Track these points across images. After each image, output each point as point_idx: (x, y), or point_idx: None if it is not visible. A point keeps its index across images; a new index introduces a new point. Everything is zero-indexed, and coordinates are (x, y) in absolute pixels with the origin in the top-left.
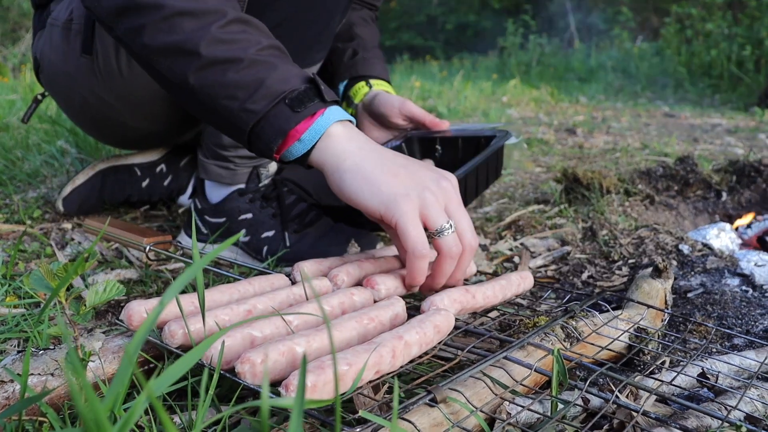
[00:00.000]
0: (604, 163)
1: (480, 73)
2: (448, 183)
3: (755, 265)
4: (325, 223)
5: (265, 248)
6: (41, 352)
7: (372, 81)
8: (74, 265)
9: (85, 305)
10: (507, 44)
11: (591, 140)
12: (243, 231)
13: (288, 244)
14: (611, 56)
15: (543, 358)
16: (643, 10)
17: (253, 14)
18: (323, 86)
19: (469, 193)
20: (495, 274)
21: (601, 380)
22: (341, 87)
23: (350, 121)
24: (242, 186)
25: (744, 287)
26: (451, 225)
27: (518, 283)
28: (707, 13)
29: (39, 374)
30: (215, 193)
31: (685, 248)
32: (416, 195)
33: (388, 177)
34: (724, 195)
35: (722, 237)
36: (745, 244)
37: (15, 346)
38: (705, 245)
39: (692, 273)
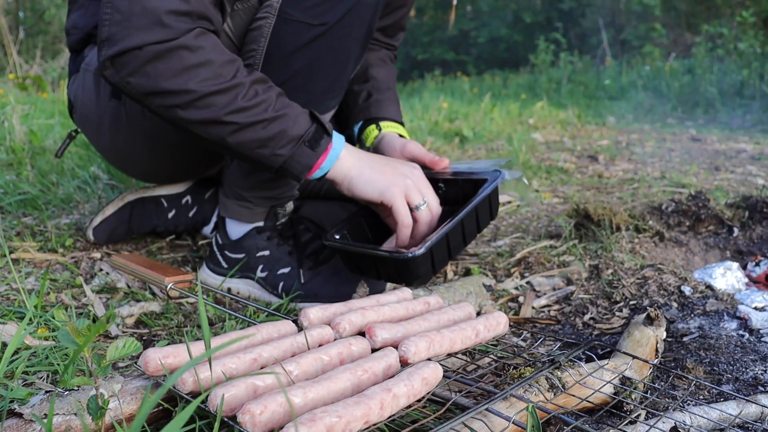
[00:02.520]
0: (621, 195)
1: (510, 91)
2: (418, 170)
3: (755, 308)
4: (339, 260)
5: (281, 284)
6: (66, 393)
7: (382, 123)
8: (96, 326)
9: (105, 359)
10: (538, 61)
11: (611, 168)
12: (260, 267)
13: (302, 281)
14: (642, 74)
15: (523, 410)
16: (676, 26)
17: (268, 67)
18: (322, 120)
19: (462, 241)
20: None
21: None
22: (356, 129)
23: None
24: (261, 224)
25: (741, 331)
26: (425, 201)
27: (493, 326)
28: (741, 32)
29: (63, 414)
30: (235, 229)
31: (687, 289)
32: (401, 182)
33: (380, 174)
34: (736, 231)
35: (728, 276)
36: (753, 282)
37: (44, 379)
38: (707, 286)
39: (691, 315)
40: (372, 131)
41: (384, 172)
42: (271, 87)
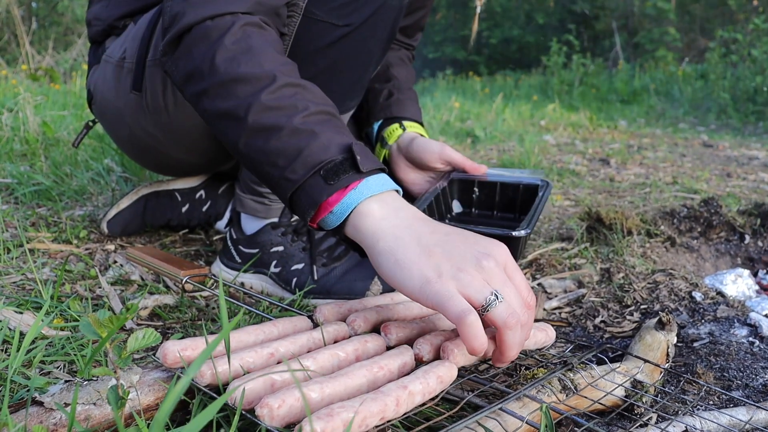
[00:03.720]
0: (632, 199)
1: (522, 92)
2: (491, 261)
3: (766, 315)
4: (353, 257)
5: (294, 280)
6: (85, 383)
7: (405, 123)
8: (119, 318)
9: (126, 350)
10: (550, 63)
11: (623, 172)
12: (274, 262)
13: (316, 277)
14: (655, 78)
15: (536, 410)
16: (690, 31)
17: None
18: (361, 156)
19: (524, 246)
20: None
21: None
22: (375, 127)
23: (396, 190)
24: (275, 220)
25: (751, 338)
26: (496, 295)
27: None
28: (755, 38)
29: (83, 404)
30: (250, 225)
31: (698, 295)
32: (450, 276)
33: (422, 258)
34: (747, 238)
35: (739, 283)
36: (764, 289)
37: (61, 368)
38: (718, 293)
39: (702, 321)
40: (395, 130)
41: (431, 254)
42: (318, 101)
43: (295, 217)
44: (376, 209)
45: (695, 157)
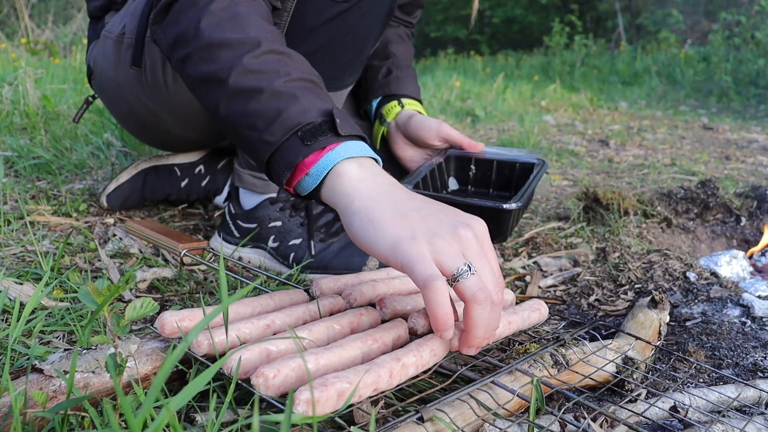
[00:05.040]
0: (630, 180)
1: (523, 72)
2: (469, 231)
3: (759, 296)
4: None
5: (292, 255)
6: (84, 351)
7: (404, 100)
8: (116, 287)
9: (124, 318)
10: (552, 43)
11: (622, 153)
12: (272, 237)
13: (313, 252)
14: (657, 60)
15: (527, 384)
16: (694, 13)
17: (288, 42)
18: (340, 120)
19: (516, 221)
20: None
21: (582, 408)
22: (374, 104)
23: (374, 159)
24: (274, 195)
25: (743, 318)
26: (469, 267)
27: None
28: (759, 20)
29: (82, 372)
30: (248, 200)
31: (692, 275)
32: (425, 240)
33: (397, 220)
34: (744, 220)
35: (733, 264)
36: (758, 271)
37: (60, 338)
38: (712, 273)
39: (695, 301)
40: (394, 107)
41: (407, 218)
42: (301, 68)
43: None
44: (353, 170)
45: (695, 139)
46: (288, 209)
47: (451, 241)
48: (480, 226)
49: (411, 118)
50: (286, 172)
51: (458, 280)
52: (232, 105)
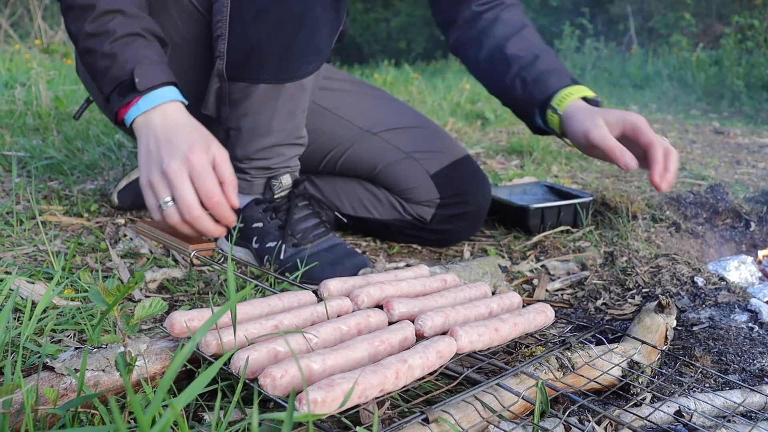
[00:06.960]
0: (640, 184)
1: None
2: (177, 164)
3: (767, 302)
4: (328, 241)
5: (266, 257)
6: (95, 350)
7: (554, 103)
8: (126, 287)
9: (133, 318)
10: (563, 47)
11: None
12: (255, 238)
13: (282, 256)
14: (668, 64)
15: (533, 386)
16: (706, 16)
17: (234, 36)
18: (139, 78)
19: (540, 221)
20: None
21: (587, 411)
22: (539, 121)
23: (181, 102)
24: (259, 196)
25: (751, 324)
26: (170, 199)
27: (507, 306)
28: None
29: (92, 370)
30: (239, 199)
31: (699, 280)
32: (155, 168)
33: (151, 155)
34: (753, 225)
35: (742, 269)
36: (766, 276)
37: (71, 337)
38: (720, 278)
39: (703, 306)
40: (552, 117)
41: (151, 153)
42: (127, 25)
43: (277, 195)
44: (151, 116)
45: (705, 143)
46: (270, 211)
47: (161, 178)
48: (199, 150)
49: (569, 123)
50: (112, 117)
51: (161, 209)
52: (85, 60)
